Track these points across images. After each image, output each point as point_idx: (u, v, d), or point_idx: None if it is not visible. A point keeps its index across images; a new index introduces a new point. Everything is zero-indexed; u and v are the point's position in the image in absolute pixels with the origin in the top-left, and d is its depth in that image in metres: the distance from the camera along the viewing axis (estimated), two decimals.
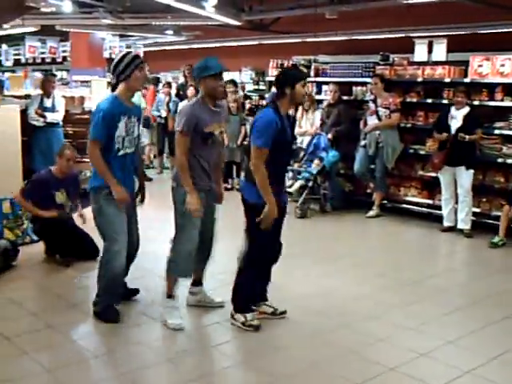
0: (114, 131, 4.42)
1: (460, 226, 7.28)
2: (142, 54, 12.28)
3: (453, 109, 7.26)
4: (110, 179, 4.43)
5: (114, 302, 4.66)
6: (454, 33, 8.85)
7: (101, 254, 4.66)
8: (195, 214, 4.35)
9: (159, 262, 5.35)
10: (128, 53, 4.62)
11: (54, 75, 9.18)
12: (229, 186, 9.45)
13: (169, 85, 11.70)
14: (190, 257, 4.49)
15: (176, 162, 4.44)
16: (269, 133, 4.15)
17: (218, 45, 13.39)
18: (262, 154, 4.17)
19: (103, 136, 4.41)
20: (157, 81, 12.62)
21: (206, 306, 4.83)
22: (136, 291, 5.00)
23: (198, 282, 4.86)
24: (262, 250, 4.41)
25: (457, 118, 7.17)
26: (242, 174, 4.53)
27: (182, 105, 9.92)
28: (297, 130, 8.92)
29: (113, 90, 4.61)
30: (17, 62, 16.23)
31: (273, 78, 9.76)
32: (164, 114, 11.09)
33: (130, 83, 4.45)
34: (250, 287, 4.55)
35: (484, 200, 7.48)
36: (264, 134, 4.16)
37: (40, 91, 8.54)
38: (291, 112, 8.72)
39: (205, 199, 4.46)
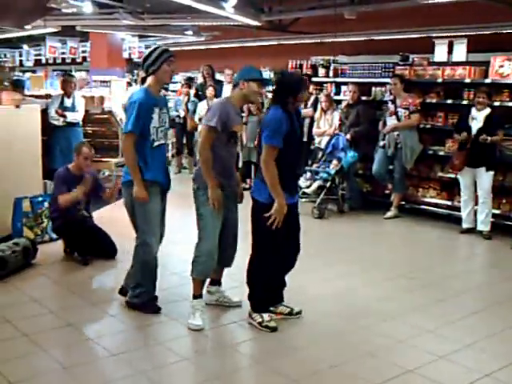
0: (149, 122, 4.51)
1: (479, 227, 7.21)
2: None
3: (473, 110, 7.18)
4: (136, 175, 4.50)
5: (152, 292, 4.76)
6: (474, 33, 8.77)
7: (136, 247, 4.69)
8: (218, 207, 4.39)
9: (175, 261, 5.38)
10: (158, 47, 4.71)
11: (72, 75, 9.25)
12: (247, 186, 9.45)
13: (188, 85, 11.72)
14: (210, 257, 4.52)
15: (201, 156, 4.44)
16: (280, 131, 4.21)
17: (236, 45, 13.41)
18: (274, 152, 4.22)
19: (138, 128, 4.48)
20: (190, 80, 12.55)
21: (223, 305, 4.84)
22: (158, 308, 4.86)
23: (216, 282, 4.88)
24: (272, 251, 4.40)
25: (477, 119, 7.09)
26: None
27: (201, 105, 9.96)
28: (315, 131, 8.93)
29: (142, 82, 4.72)
30: (37, 62, 16.44)
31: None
32: (182, 114, 11.12)
33: (159, 76, 4.56)
34: (266, 288, 4.55)
35: (504, 201, 7.40)
36: (275, 133, 4.21)
37: (61, 91, 8.62)
38: (307, 110, 8.73)
39: (224, 200, 4.48)
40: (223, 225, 4.57)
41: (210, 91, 10.06)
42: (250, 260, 4.54)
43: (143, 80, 4.71)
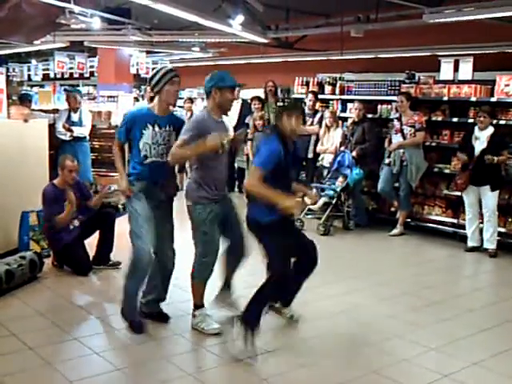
0: (138, 137, 4.56)
1: (486, 245, 7.20)
2: None
3: (476, 129, 7.18)
4: (120, 171, 4.69)
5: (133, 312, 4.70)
6: (480, 52, 8.80)
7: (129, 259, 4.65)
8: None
9: (180, 275, 5.37)
10: (163, 67, 4.77)
11: (79, 91, 9.28)
12: None
13: (190, 100, 11.68)
14: (211, 266, 4.57)
15: (171, 156, 4.45)
16: (270, 159, 4.25)
17: (243, 62, 13.48)
18: (260, 175, 4.22)
19: (122, 136, 4.68)
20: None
21: (235, 307, 4.73)
22: (166, 318, 4.89)
23: (226, 285, 4.85)
24: (281, 267, 4.39)
25: (481, 139, 7.08)
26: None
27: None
28: (318, 148, 8.98)
29: (150, 100, 4.79)
30: (45, 77, 16.53)
31: (298, 96, 9.85)
32: None
33: (162, 96, 4.60)
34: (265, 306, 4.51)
35: (510, 220, 7.39)
36: (266, 159, 4.25)
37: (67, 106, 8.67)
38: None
39: (219, 209, 4.52)
40: (227, 230, 4.60)
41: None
42: (267, 281, 4.40)
43: (151, 98, 4.78)
